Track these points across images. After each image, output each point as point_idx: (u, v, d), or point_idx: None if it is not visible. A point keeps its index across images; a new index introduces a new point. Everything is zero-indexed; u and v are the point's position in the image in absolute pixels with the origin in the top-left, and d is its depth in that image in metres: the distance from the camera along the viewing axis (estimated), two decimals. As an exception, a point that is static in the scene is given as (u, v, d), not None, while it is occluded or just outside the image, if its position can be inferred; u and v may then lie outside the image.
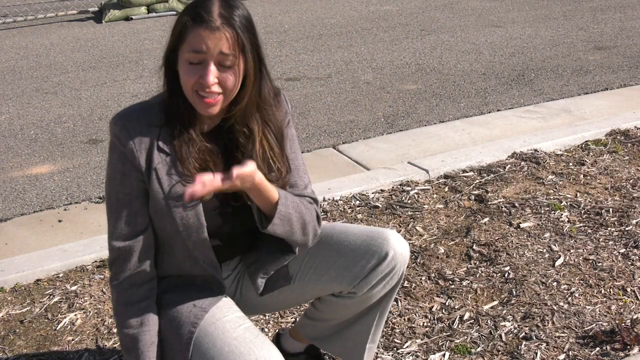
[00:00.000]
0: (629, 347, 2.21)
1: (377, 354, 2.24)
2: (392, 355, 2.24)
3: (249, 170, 1.53)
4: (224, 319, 1.66)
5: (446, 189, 3.40)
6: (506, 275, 2.64)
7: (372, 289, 1.81)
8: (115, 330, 2.40)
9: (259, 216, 1.67)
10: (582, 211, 3.11)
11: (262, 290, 1.83)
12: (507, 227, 3.00)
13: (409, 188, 3.41)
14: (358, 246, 1.79)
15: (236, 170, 1.49)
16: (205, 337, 1.61)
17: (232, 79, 1.57)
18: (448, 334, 2.33)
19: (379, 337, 2.02)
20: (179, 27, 1.56)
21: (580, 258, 2.74)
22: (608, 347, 2.22)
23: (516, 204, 3.18)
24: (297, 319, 2.23)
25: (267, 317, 2.45)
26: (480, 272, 2.68)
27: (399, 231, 3.00)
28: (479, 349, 2.25)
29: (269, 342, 1.62)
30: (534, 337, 2.29)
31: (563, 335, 2.30)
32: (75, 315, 2.49)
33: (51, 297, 2.61)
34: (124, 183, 1.64)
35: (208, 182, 1.45)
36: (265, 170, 1.65)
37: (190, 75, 1.55)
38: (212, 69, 1.54)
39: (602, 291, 2.53)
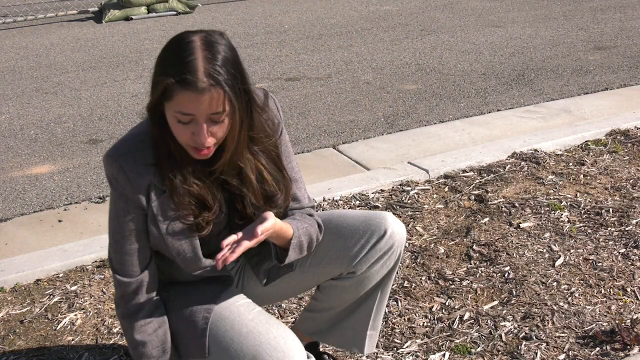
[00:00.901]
0: (629, 347, 2.21)
1: (376, 353, 2.24)
2: (392, 355, 2.24)
3: (270, 224, 1.56)
4: (237, 303, 1.69)
5: (446, 189, 3.40)
6: (506, 275, 2.64)
7: (371, 268, 1.82)
8: (115, 330, 2.40)
9: (275, 251, 1.71)
10: (582, 211, 3.11)
11: (267, 280, 1.86)
12: (507, 227, 3.00)
13: (409, 188, 3.41)
14: (357, 227, 1.81)
15: (260, 228, 1.52)
16: (221, 320, 1.64)
17: (224, 129, 1.54)
18: (448, 334, 2.33)
19: (380, 325, 2.02)
20: (162, 86, 1.48)
21: (580, 258, 2.74)
22: (608, 347, 2.22)
23: (516, 204, 3.18)
24: (297, 318, 2.22)
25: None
26: (480, 272, 2.68)
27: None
28: (479, 349, 2.25)
29: (282, 323, 1.65)
30: (534, 337, 2.29)
31: (563, 335, 2.30)
32: (75, 315, 2.49)
33: (51, 297, 2.61)
34: (128, 220, 1.63)
35: (237, 249, 1.50)
36: (266, 201, 1.68)
37: (183, 133, 1.52)
38: (204, 127, 1.50)
39: (602, 291, 2.53)
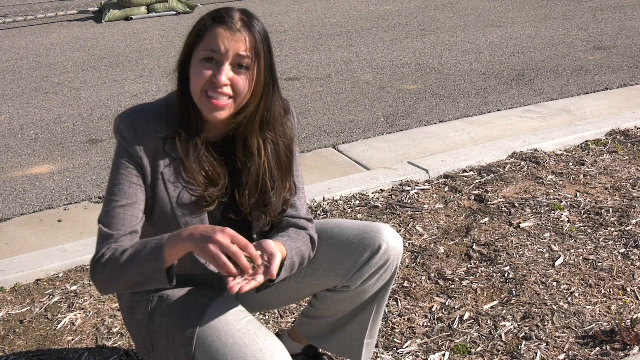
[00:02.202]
0: (629, 347, 2.21)
1: (376, 353, 2.24)
2: (392, 355, 2.24)
3: (279, 259, 1.55)
4: (227, 312, 1.67)
5: (446, 189, 3.40)
6: (506, 275, 2.64)
7: (366, 283, 1.82)
8: (115, 330, 2.40)
9: None
10: (582, 211, 3.11)
11: (259, 288, 1.83)
12: (507, 227, 2.99)
13: (409, 188, 3.41)
14: (351, 240, 1.80)
15: (274, 267, 1.51)
16: (209, 330, 1.62)
17: (245, 83, 1.57)
18: (448, 334, 2.33)
19: (377, 333, 2.02)
20: (198, 28, 1.58)
21: (580, 258, 2.74)
22: (608, 347, 2.22)
23: (516, 204, 3.18)
24: (295, 320, 2.22)
25: (267, 317, 2.45)
26: (480, 272, 2.68)
27: (398, 231, 3.00)
28: (479, 349, 2.25)
29: (271, 333, 1.63)
30: (534, 337, 2.29)
31: (563, 335, 2.30)
32: (75, 315, 2.49)
33: (51, 297, 2.61)
34: (127, 174, 1.63)
35: (253, 282, 1.49)
36: (259, 196, 1.69)
37: (202, 74, 1.55)
38: (226, 69, 1.55)
39: (602, 291, 2.53)
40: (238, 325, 1.63)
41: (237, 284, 1.47)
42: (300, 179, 1.81)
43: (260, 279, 1.50)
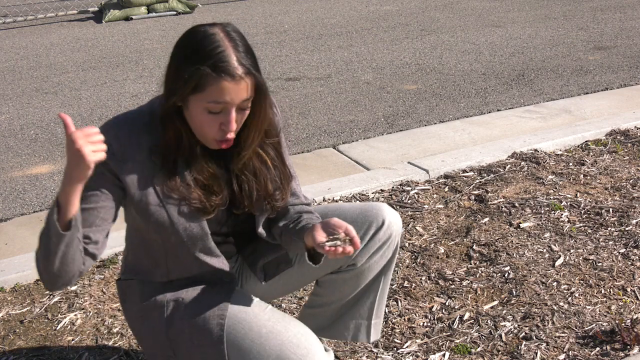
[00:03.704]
0: (629, 347, 2.21)
1: (376, 353, 2.24)
2: (392, 355, 2.24)
3: (354, 230, 1.61)
4: (250, 304, 1.69)
5: (446, 189, 3.40)
6: (506, 275, 2.64)
7: (371, 258, 1.84)
8: (115, 330, 2.40)
9: (307, 253, 1.72)
10: (582, 211, 3.11)
11: (265, 277, 1.86)
12: (507, 227, 3.00)
13: (409, 188, 3.41)
14: (354, 219, 1.83)
15: (356, 237, 1.59)
16: (237, 324, 1.63)
17: (246, 114, 1.60)
18: (448, 334, 2.33)
19: (383, 313, 2.04)
20: (196, 77, 1.51)
21: (580, 258, 2.74)
22: (608, 347, 2.22)
23: (516, 204, 3.18)
24: (297, 316, 2.22)
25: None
26: (480, 272, 2.68)
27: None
28: (479, 349, 2.25)
29: (294, 319, 1.67)
30: (534, 337, 2.29)
31: (563, 335, 2.30)
32: (75, 315, 2.49)
33: (51, 297, 2.61)
34: (102, 181, 1.58)
35: (346, 249, 1.58)
36: (266, 195, 1.70)
37: (211, 124, 1.55)
38: (234, 115, 1.55)
39: (602, 291, 2.53)
40: (265, 315, 1.66)
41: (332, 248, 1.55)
42: (292, 165, 1.83)
43: (350, 249, 1.57)
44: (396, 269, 2.71)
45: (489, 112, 4.61)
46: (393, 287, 2.60)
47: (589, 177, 3.46)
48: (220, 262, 1.73)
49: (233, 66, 1.50)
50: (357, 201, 3.29)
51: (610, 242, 2.85)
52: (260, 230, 1.76)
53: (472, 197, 3.30)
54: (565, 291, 2.53)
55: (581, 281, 2.59)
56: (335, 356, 2.21)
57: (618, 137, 3.97)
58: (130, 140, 1.59)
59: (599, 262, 2.71)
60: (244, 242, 1.85)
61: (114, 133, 1.58)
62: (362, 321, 2.00)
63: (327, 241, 1.59)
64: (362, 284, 1.91)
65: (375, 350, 2.26)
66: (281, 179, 1.74)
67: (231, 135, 1.58)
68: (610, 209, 3.11)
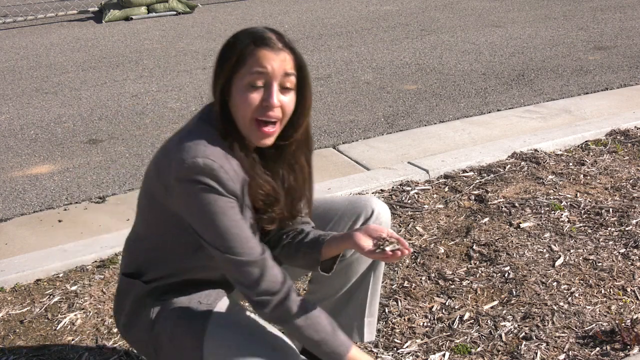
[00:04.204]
0: (629, 347, 2.21)
1: (376, 353, 2.24)
2: (392, 355, 2.24)
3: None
4: (233, 312, 1.70)
5: (446, 189, 3.40)
6: (506, 275, 2.64)
7: None
8: (115, 330, 2.40)
9: (319, 262, 1.75)
10: (582, 211, 3.11)
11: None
12: (507, 227, 2.99)
13: (409, 188, 3.41)
14: (343, 211, 1.87)
15: (404, 242, 1.66)
16: (217, 332, 1.64)
17: (292, 103, 1.59)
18: (448, 334, 2.33)
19: (377, 310, 2.05)
20: (237, 50, 1.53)
21: (580, 258, 2.74)
22: (608, 347, 2.22)
23: (516, 204, 3.18)
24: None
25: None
26: (480, 272, 2.68)
27: (398, 231, 3.00)
28: (479, 349, 2.25)
29: (277, 331, 1.69)
30: (534, 337, 2.29)
31: (563, 335, 2.30)
32: (75, 315, 2.49)
33: (51, 297, 2.61)
34: (237, 212, 1.58)
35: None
36: (294, 204, 1.74)
37: (251, 99, 1.53)
38: (276, 89, 1.54)
39: (602, 291, 2.53)
40: (245, 324, 1.67)
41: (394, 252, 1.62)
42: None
43: (409, 250, 1.66)
44: (396, 269, 2.71)
45: (489, 112, 4.61)
46: (393, 287, 2.60)
47: (589, 177, 3.46)
48: None
49: (272, 39, 1.54)
50: (357, 201, 3.29)
51: (610, 242, 2.85)
52: (270, 242, 1.79)
53: (472, 197, 3.30)
54: (565, 291, 2.53)
55: (581, 281, 2.59)
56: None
57: (618, 137, 3.97)
58: (229, 166, 1.56)
59: (599, 262, 2.71)
60: None
61: (219, 164, 1.53)
62: (354, 322, 2.00)
63: (378, 247, 1.64)
64: (353, 278, 1.92)
65: (375, 350, 2.25)
66: (309, 193, 1.77)
67: (273, 113, 1.54)
68: (610, 209, 3.10)
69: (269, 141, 1.59)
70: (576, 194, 3.28)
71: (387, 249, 1.63)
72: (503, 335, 2.31)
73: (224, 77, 1.56)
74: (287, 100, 1.57)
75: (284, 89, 1.56)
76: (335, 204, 1.90)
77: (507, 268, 2.68)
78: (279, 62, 1.53)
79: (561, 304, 2.46)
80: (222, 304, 1.71)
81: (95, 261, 2.84)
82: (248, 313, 1.71)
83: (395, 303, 2.51)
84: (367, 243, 1.65)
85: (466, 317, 2.41)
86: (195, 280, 1.75)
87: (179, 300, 1.71)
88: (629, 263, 2.70)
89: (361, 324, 2.00)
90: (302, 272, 1.99)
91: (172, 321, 1.68)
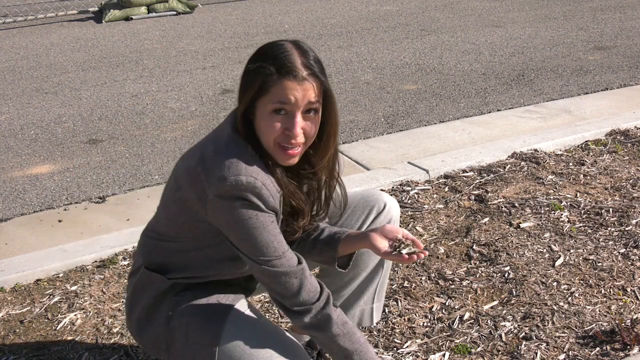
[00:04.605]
0: (629, 347, 2.21)
1: (376, 353, 2.24)
2: (392, 355, 2.24)
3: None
4: (249, 314, 1.72)
5: (446, 189, 3.40)
6: (506, 275, 2.64)
7: None
8: (115, 330, 2.40)
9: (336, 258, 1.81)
10: (582, 211, 3.11)
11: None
12: (507, 227, 2.99)
13: (409, 188, 3.41)
14: (356, 204, 1.90)
15: (419, 242, 1.71)
16: (233, 332, 1.65)
17: (314, 127, 1.59)
18: (448, 334, 2.33)
19: (384, 297, 2.09)
20: (260, 78, 1.53)
21: (580, 258, 2.74)
22: (608, 347, 2.22)
23: (516, 204, 3.18)
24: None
25: (267, 317, 2.45)
26: (480, 272, 2.68)
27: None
28: (479, 349, 2.25)
29: (287, 334, 1.72)
30: (534, 337, 2.29)
31: (563, 335, 2.30)
32: (75, 315, 2.49)
33: (51, 297, 2.61)
34: (276, 226, 1.61)
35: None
36: (311, 211, 1.76)
37: (274, 127, 1.54)
38: (299, 120, 1.54)
39: (602, 291, 2.53)
40: (259, 327, 1.69)
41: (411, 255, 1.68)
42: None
43: (425, 253, 1.71)
44: (396, 269, 2.71)
45: (489, 112, 4.61)
46: (393, 287, 2.60)
47: (589, 177, 3.46)
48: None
49: (297, 67, 1.51)
50: (357, 201, 3.30)
51: (610, 242, 2.85)
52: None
53: (472, 197, 3.30)
54: (565, 291, 2.53)
55: (581, 281, 2.59)
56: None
57: (618, 137, 3.97)
58: (269, 183, 1.58)
59: (599, 262, 2.71)
60: None
61: (260, 183, 1.55)
62: (365, 306, 2.05)
63: (394, 249, 1.67)
64: (362, 270, 1.96)
65: (375, 350, 2.25)
66: (327, 206, 1.80)
67: (295, 141, 1.56)
68: (610, 209, 3.10)
69: (293, 161, 1.61)
70: (576, 194, 3.28)
71: (404, 251, 1.66)
72: (503, 335, 2.31)
73: (248, 100, 1.57)
74: (310, 126, 1.58)
75: (307, 114, 1.57)
76: (348, 198, 1.92)
77: (507, 268, 2.68)
78: (302, 93, 1.52)
79: (561, 304, 2.46)
80: (240, 305, 1.72)
81: (95, 261, 2.84)
82: (259, 315, 1.73)
83: (395, 303, 2.51)
84: (383, 244, 1.69)
85: (466, 317, 2.41)
86: (217, 281, 1.76)
87: (198, 297, 1.72)
88: (629, 263, 2.70)
89: (371, 307, 2.06)
90: (315, 265, 2.01)
91: (189, 318, 1.69)
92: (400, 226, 1.91)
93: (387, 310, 2.45)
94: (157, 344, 1.74)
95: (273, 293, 1.63)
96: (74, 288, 2.66)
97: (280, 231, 1.61)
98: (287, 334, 1.70)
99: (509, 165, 3.61)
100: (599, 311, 2.42)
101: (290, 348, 1.64)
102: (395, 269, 2.70)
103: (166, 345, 1.72)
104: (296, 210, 1.68)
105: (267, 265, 1.58)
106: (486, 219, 3.07)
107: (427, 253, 1.68)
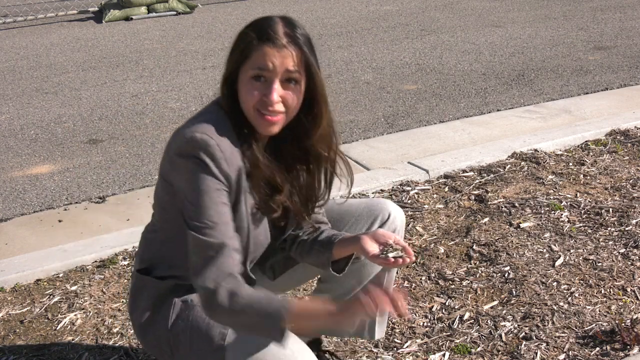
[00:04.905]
0: (629, 347, 2.21)
1: (376, 353, 2.24)
2: (392, 355, 2.24)
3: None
4: None
5: (446, 189, 3.40)
6: (506, 275, 2.64)
7: None
8: (115, 330, 2.40)
9: (329, 262, 1.77)
10: (582, 211, 3.11)
11: (275, 275, 1.91)
12: (507, 227, 2.99)
13: (409, 188, 3.41)
14: (360, 213, 1.89)
15: (409, 249, 1.66)
16: (237, 336, 1.62)
17: (295, 97, 1.59)
18: (448, 334, 2.33)
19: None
20: (242, 44, 1.57)
21: (580, 258, 2.74)
22: (608, 347, 2.22)
23: (516, 204, 3.18)
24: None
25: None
26: (480, 272, 2.68)
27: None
28: (479, 349, 2.25)
29: (294, 336, 1.65)
30: (534, 337, 2.29)
31: (563, 335, 2.30)
32: (75, 315, 2.49)
33: (51, 297, 2.61)
34: (221, 196, 1.56)
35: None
36: (308, 202, 1.76)
37: (253, 93, 1.56)
38: (277, 87, 1.55)
39: (602, 291, 2.53)
40: None
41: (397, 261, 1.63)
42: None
43: (412, 259, 1.66)
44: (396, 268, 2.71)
45: (489, 112, 4.61)
46: (393, 287, 2.60)
47: (589, 177, 3.46)
48: (248, 270, 1.75)
49: (278, 35, 1.55)
50: (357, 201, 3.30)
51: (610, 242, 2.85)
52: (287, 240, 1.81)
53: (472, 197, 3.30)
54: (565, 291, 2.53)
55: (581, 281, 2.59)
56: (335, 356, 2.21)
57: (618, 137, 3.97)
58: (229, 147, 1.57)
59: (599, 262, 2.71)
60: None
61: (215, 142, 1.54)
62: (366, 320, 2.00)
63: (383, 253, 1.65)
64: (365, 280, 1.92)
65: (375, 350, 2.26)
66: (326, 193, 1.79)
67: (273, 108, 1.56)
68: (610, 209, 3.10)
69: (274, 129, 1.60)
70: (576, 194, 3.28)
71: (390, 255, 1.63)
72: (503, 335, 2.31)
73: (231, 68, 1.60)
74: (290, 94, 1.58)
75: (287, 83, 1.57)
76: (352, 207, 1.92)
77: (507, 268, 2.68)
78: (280, 60, 1.54)
79: (561, 304, 2.46)
80: None
81: (95, 261, 2.84)
82: None
83: (395, 303, 2.50)
84: (373, 248, 1.67)
85: (466, 317, 2.41)
86: None
87: (198, 305, 1.71)
88: (629, 263, 2.70)
89: (372, 321, 2.02)
90: (317, 272, 1.99)
91: (193, 323, 1.66)
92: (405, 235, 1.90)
93: (387, 310, 2.45)
94: (161, 348, 1.73)
95: (190, 267, 1.55)
96: (74, 288, 2.66)
97: (226, 204, 1.56)
98: (294, 337, 1.64)
99: (509, 165, 3.62)
100: (599, 311, 2.42)
101: (298, 351, 1.60)
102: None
103: (170, 349, 1.70)
104: (271, 185, 1.66)
105: (197, 232, 1.52)
106: (486, 219, 3.07)
107: (413, 259, 1.65)
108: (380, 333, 2.06)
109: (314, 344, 2.17)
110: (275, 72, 1.55)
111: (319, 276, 2.08)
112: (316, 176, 1.76)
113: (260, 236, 1.70)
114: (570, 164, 3.63)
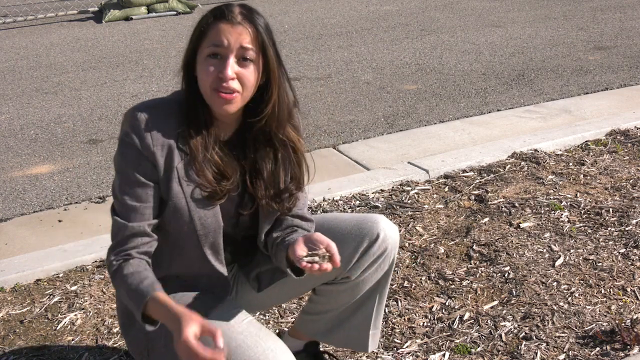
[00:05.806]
0: (629, 347, 2.21)
1: (376, 353, 2.24)
2: (392, 355, 2.24)
3: (335, 247, 1.60)
4: (227, 316, 1.68)
5: (446, 189, 3.40)
6: (506, 275, 2.64)
7: (365, 272, 1.83)
8: (115, 330, 2.40)
9: (289, 266, 1.72)
10: (582, 211, 3.11)
11: (260, 286, 1.86)
12: (507, 227, 2.99)
13: (409, 188, 3.41)
14: (349, 231, 1.81)
15: (337, 255, 1.58)
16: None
17: (251, 75, 1.59)
18: (448, 334, 2.33)
19: (381, 323, 2.03)
20: (199, 26, 1.60)
21: (580, 258, 2.74)
22: (608, 347, 2.22)
23: (516, 204, 3.18)
24: (295, 319, 2.22)
25: (266, 317, 2.45)
26: (480, 272, 2.68)
27: (398, 231, 3.00)
28: (479, 349, 2.25)
29: (272, 333, 1.64)
30: (534, 337, 2.29)
31: (563, 335, 2.30)
32: (75, 315, 2.49)
33: (51, 297, 2.61)
34: (141, 173, 1.61)
35: (323, 267, 1.57)
36: (275, 195, 1.72)
37: (208, 70, 1.57)
38: (231, 63, 1.56)
39: (602, 291, 2.53)
40: (239, 327, 1.63)
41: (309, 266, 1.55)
42: (304, 179, 1.82)
43: (328, 266, 1.56)
44: (396, 269, 2.71)
45: (489, 112, 4.61)
46: (393, 287, 2.60)
47: (589, 177, 3.46)
48: (220, 266, 1.73)
49: (233, 13, 1.57)
50: (357, 201, 3.29)
51: (610, 242, 2.85)
52: (262, 238, 1.76)
53: (472, 197, 3.30)
54: (565, 291, 2.53)
55: (581, 281, 2.59)
56: (335, 357, 2.21)
57: (618, 137, 3.97)
58: (160, 125, 1.61)
59: (599, 262, 2.71)
60: (242, 252, 1.85)
61: (144, 117, 1.60)
62: (359, 332, 1.99)
63: (305, 256, 1.56)
64: (358, 295, 1.90)
65: (375, 350, 2.25)
66: (294, 183, 1.74)
67: (227, 85, 1.56)
68: (610, 209, 3.10)
69: (230, 109, 1.60)
70: (576, 194, 3.28)
71: (305, 259, 1.55)
72: (503, 335, 2.31)
73: (190, 50, 1.63)
74: (246, 72, 1.58)
75: (243, 61, 1.58)
76: (342, 223, 1.85)
77: (507, 268, 2.68)
78: (235, 36, 1.55)
79: (561, 304, 2.46)
80: (219, 310, 1.69)
81: (95, 261, 2.84)
82: (243, 316, 1.69)
83: (395, 303, 2.51)
84: (301, 251, 1.60)
85: (466, 317, 2.41)
86: (192, 284, 1.74)
87: (179, 301, 1.70)
88: (629, 263, 2.70)
89: (366, 335, 1.99)
90: (309, 287, 1.95)
91: (164, 326, 1.66)
92: (399, 251, 1.84)
93: (387, 311, 2.45)
94: (140, 349, 1.73)
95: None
96: (74, 288, 2.66)
97: (145, 183, 1.60)
98: (271, 334, 1.63)
99: (509, 165, 3.62)
100: (599, 311, 2.42)
101: (270, 348, 1.57)
102: (396, 269, 2.70)
103: (147, 351, 1.71)
104: (221, 173, 1.66)
105: (113, 207, 1.65)
106: (486, 219, 3.07)
107: (330, 268, 1.56)
108: (373, 346, 2.03)
109: (312, 345, 2.17)
110: (229, 49, 1.56)
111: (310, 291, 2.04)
112: (280, 164, 1.73)
113: (208, 218, 1.66)
114: (570, 164, 3.63)
